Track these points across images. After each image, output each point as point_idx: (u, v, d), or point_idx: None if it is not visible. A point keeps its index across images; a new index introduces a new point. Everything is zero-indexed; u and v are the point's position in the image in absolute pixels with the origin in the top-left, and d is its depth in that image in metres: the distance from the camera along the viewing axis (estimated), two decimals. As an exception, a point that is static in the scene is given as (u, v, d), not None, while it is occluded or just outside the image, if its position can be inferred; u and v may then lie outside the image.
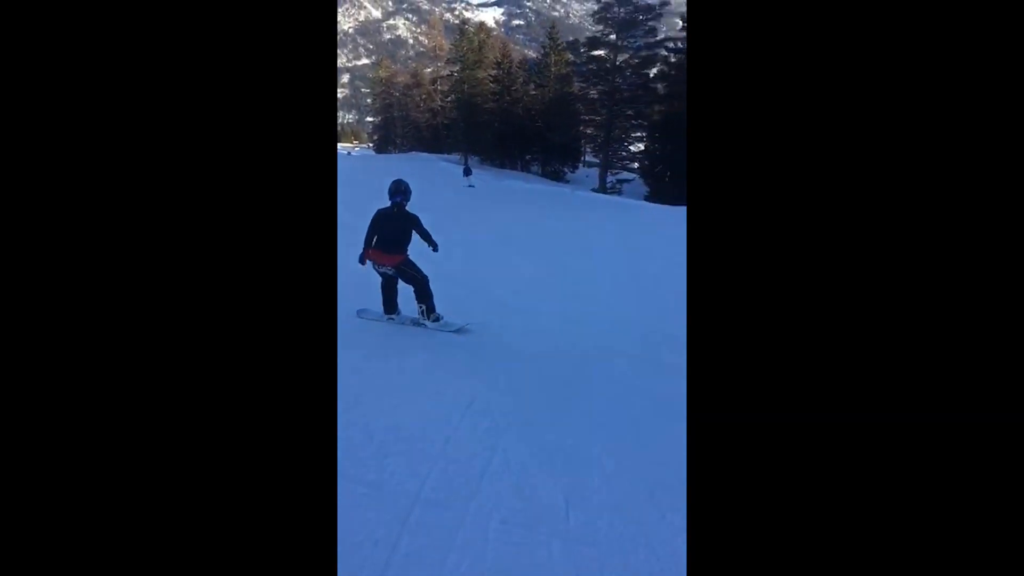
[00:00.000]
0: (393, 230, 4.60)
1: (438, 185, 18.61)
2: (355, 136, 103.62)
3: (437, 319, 4.63)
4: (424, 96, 46.55)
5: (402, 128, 49.95)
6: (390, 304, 4.80)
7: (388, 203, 4.65)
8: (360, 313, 4.86)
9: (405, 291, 4.69)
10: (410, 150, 44.93)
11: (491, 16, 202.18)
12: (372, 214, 4.66)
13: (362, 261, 4.66)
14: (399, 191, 4.65)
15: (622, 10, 32.21)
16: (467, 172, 22.68)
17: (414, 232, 4.60)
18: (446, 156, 37.71)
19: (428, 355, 3.89)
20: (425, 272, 4.59)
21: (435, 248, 4.70)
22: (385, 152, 47.76)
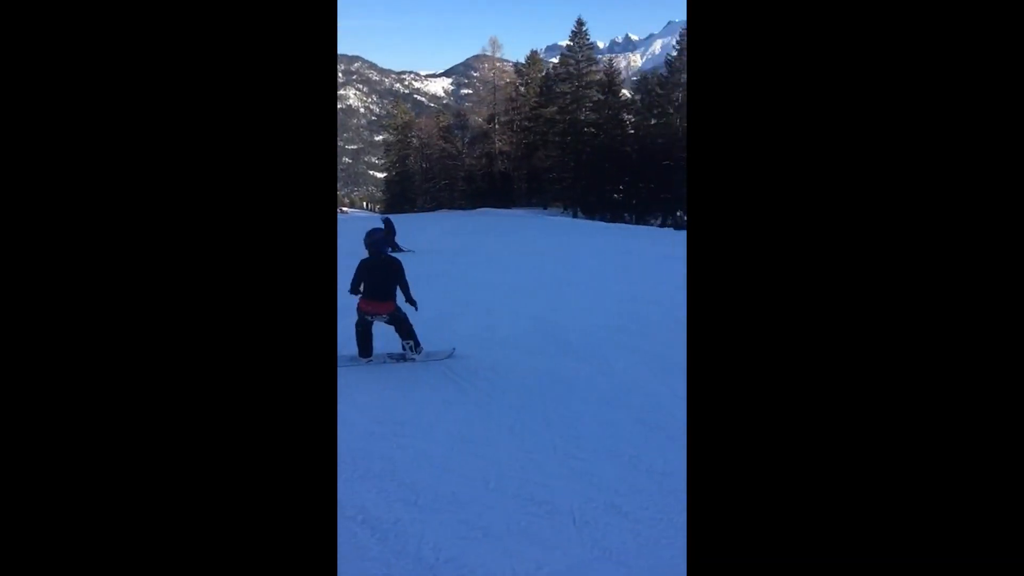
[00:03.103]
0: (385, 278, 4.71)
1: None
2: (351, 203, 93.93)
3: (421, 350, 4.82)
4: (466, 142, 40.29)
5: (421, 182, 41.46)
6: (366, 347, 4.79)
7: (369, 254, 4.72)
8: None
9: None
10: (438, 207, 37.52)
11: (440, 86, 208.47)
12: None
13: (361, 311, 4.68)
14: (375, 240, 4.78)
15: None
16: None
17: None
18: (543, 210, 32.65)
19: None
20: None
21: (415, 306, 4.80)
22: (406, 211, 36.17)
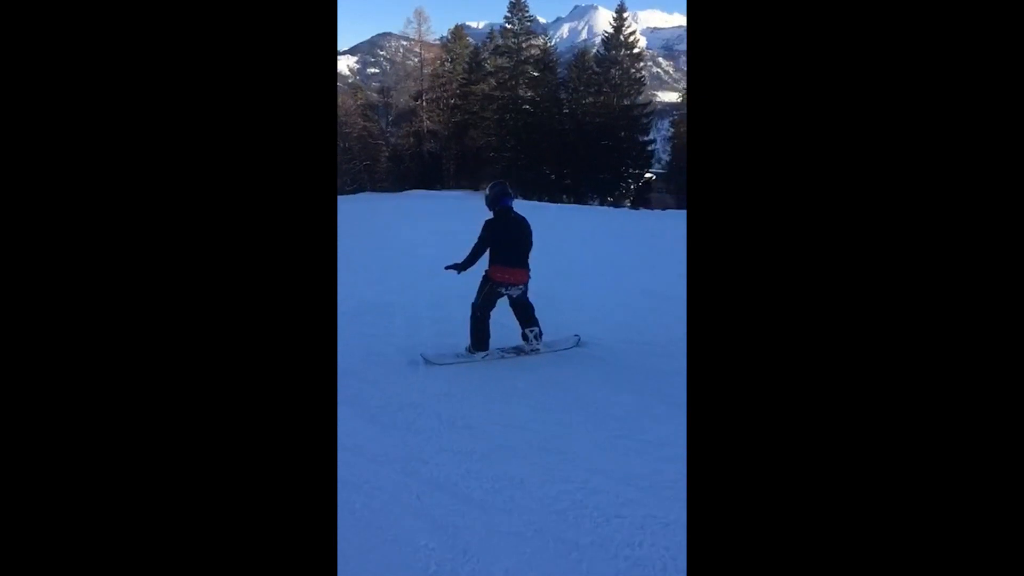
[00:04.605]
0: (519, 239, 3.85)
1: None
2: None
3: (542, 338, 4.02)
4: (390, 120, 38.46)
5: (340, 163, 35.63)
6: (484, 338, 3.88)
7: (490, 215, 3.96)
8: (428, 360, 3.84)
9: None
10: (359, 190, 34.10)
11: (345, 64, 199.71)
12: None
13: (495, 282, 3.87)
14: (506, 192, 3.96)
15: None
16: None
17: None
18: (474, 191, 30.15)
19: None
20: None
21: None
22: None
